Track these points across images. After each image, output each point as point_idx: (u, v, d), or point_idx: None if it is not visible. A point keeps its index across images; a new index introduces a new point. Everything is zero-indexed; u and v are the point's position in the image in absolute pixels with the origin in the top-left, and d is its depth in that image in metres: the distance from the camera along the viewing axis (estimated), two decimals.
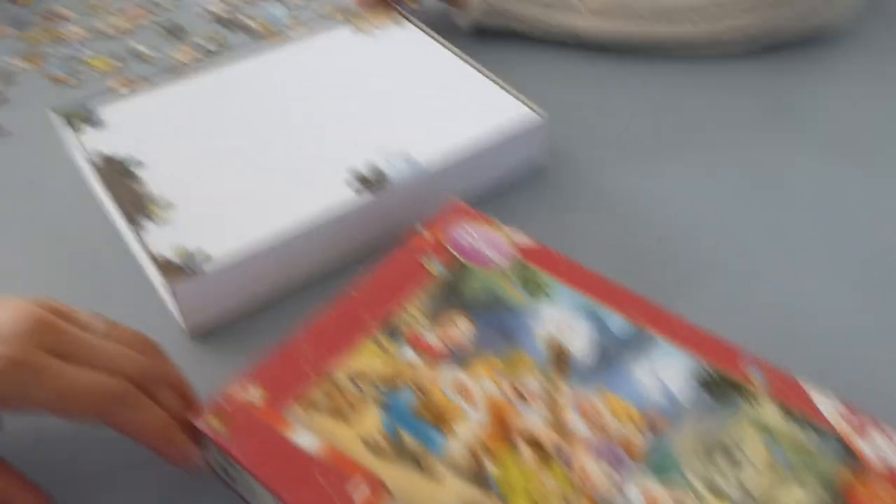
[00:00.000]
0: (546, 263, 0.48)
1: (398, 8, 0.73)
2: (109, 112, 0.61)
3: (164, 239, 0.50)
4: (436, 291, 0.46)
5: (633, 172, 0.62)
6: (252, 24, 0.79)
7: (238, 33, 0.78)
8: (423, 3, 0.80)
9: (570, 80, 0.72)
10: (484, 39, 0.76)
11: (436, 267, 0.48)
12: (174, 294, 0.47)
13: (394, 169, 0.55)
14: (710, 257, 0.55)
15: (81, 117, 0.60)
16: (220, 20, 0.80)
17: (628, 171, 0.62)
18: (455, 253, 0.49)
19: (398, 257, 0.48)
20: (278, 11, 0.81)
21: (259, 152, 0.57)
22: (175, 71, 0.71)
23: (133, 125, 0.59)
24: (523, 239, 0.49)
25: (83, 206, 0.58)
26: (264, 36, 0.78)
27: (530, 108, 0.60)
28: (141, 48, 0.76)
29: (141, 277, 0.53)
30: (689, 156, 0.64)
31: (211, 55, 0.75)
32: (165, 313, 0.50)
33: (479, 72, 0.65)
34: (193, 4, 0.82)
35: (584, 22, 0.73)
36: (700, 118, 0.68)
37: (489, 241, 0.49)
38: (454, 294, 0.46)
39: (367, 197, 0.53)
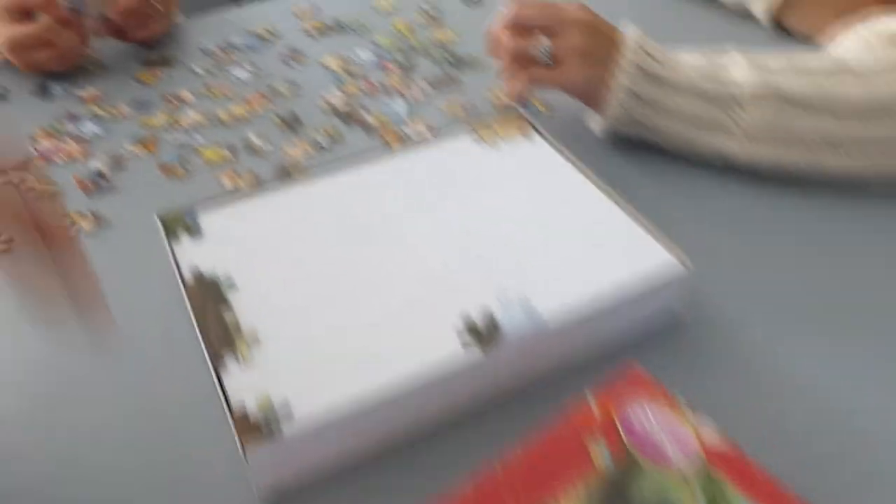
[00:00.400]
0: (737, 473, 0.39)
1: (528, 118, 0.67)
2: (210, 220, 0.56)
3: (246, 382, 0.45)
4: (599, 489, 0.38)
5: (785, 334, 0.53)
6: (370, 119, 0.75)
7: (355, 128, 0.74)
8: (552, 109, 0.73)
9: (713, 209, 0.64)
10: (618, 145, 0.69)
11: (602, 455, 0.40)
12: (247, 456, 0.41)
13: (510, 319, 0.48)
14: (877, 457, 0.45)
15: (181, 224, 0.56)
16: (339, 113, 0.76)
17: (779, 332, 0.53)
18: (627, 441, 0.41)
19: (558, 432, 0.41)
20: (399, 107, 0.76)
21: (361, 281, 0.51)
22: (284, 170, 0.68)
23: (232, 237, 0.55)
24: (712, 435, 0.41)
25: (172, 319, 0.54)
26: (382, 133, 0.73)
27: (674, 255, 0.52)
28: (254, 139, 0.72)
29: (217, 411, 0.47)
30: (854, 323, 0.54)
31: (324, 152, 0.71)
32: (239, 460, 0.44)
33: (615, 202, 0.57)
34: (314, 94, 0.79)
35: (739, 147, 0.64)
36: (871, 275, 0.58)
37: (671, 431, 0.41)
38: (620, 497, 0.38)
39: (475, 353, 0.46)
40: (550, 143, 0.64)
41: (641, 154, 0.69)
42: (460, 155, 0.63)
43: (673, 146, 0.67)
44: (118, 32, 0.83)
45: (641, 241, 0.54)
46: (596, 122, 0.70)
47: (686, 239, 0.54)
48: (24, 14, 0.77)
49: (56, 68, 0.80)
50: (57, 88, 0.80)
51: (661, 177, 0.67)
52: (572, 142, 0.64)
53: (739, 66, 0.64)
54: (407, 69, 0.82)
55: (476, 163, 0.62)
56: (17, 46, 0.78)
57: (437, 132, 0.73)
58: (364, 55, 0.84)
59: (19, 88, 0.80)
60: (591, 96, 0.66)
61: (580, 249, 0.53)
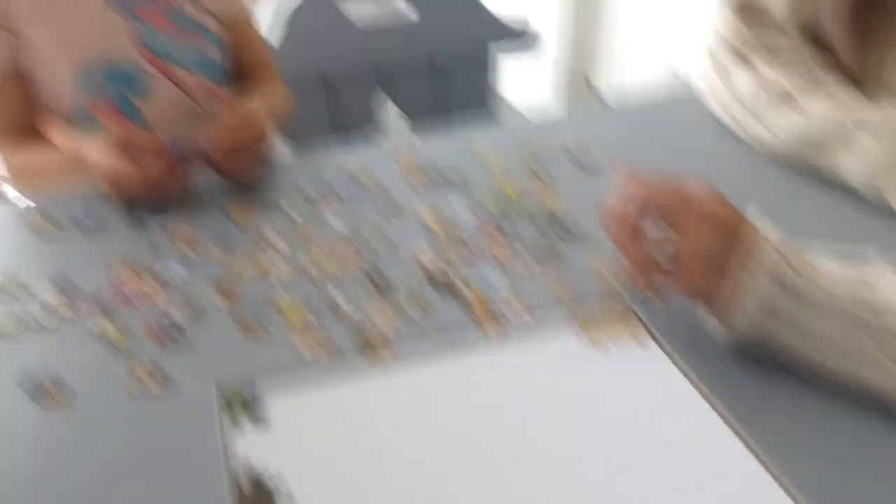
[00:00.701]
0: None
1: (639, 314, 0.60)
2: (277, 404, 0.51)
3: None
4: None
5: None
6: (465, 290, 0.69)
7: (448, 299, 0.68)
8: (668, 303, 0.66)
9: (850, 448, 0.54)
10: (742, 356, 0.60)
11: None
12: None
13: None
14: None
15: (244, 404, 0.51)
16: (432, 279, 0.71)
17: None
18: None
19: None
20: (497, 280, 0.70)
21: (447, 495, 0.44)
22: (367, 343, 0.62)
23: (297, 432, 0.49)
24: None
25: None
26: (476, 309, 0.67)
27: None
28: (340, 301, 0.68)
29: None
30: None
31: (412, 324, 0.65)
32: None
33: (733, 430, 0.49)
34: (408, 254, 0.74)
35: (892, 384, 0.55)
36: None
37: None
38: None
39: None
40: (664, 350, 0.57)
41: (769, 371, 0.60)
42: (562, 357, 0.56)
43: (807, 370, 0.58)
44: (216, 169, 0.82)
45: (761, 481, 0.45)
46: (719, 333, 0.61)
47: (813, 482, 0.45)
48: (131, 149, 0.78)
49: (150, 205, 0.79)
50: (153, 222, 0.78)
51: (790, 401, 0.58)
52: (688, 346, 0.57)
53: (891, 287, 0.55)
54: (509, 236, 0.77)
55: (580, 369, 0.55)
56: (117, 182, 0.77)
57: (536, 315, 0.66)
58: (465, 215, 0.80)
59: (116, 217, 0.79)
60: (714, 305, 0.59)
61: (691, 481, 0.45)
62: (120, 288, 0.69)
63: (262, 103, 0.98)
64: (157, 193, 0.79)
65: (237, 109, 0.84)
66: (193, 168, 0.81)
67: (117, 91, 0.93)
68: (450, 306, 0.68)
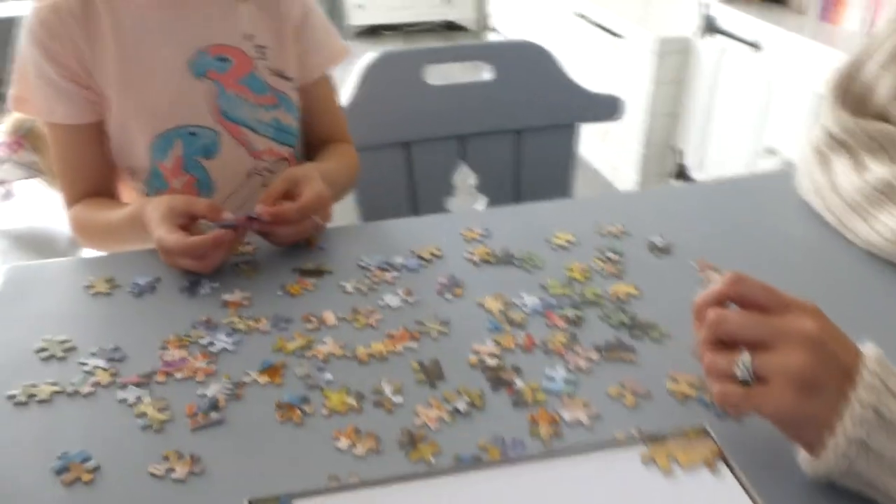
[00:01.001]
0: None
1: (715, 438, 0.53)
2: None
3: None
4: None
5: None
6: (521, 386, 0.64)
7: (502, 395, 0.63)
8: (746, 422, 0.59)
9: None
10: (829, 489, 0.53)
11: None
12: None
13: None
14: None
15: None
16: (486, 370, 0.66)
17: None
18: None
19: None
20: (557, 376, 0.65)
21: None
22: (410, 438, 0.57)
23: None
24: None
25: None
26: (530, 408, 0.62)
27: None
28: (387, 389, 0.63)
29: None
30: None
31: (460, 420, 0.60)
32: None
33: None
34: (464, 340, 0.69)
35: None
36: None
37: None
38: None
39: None
40: (738, 478, 0.50)
41: None
42: (621, 478, 0.50)
43: None
44: (270, 235, 0.81)
45: None
46: (807, 465, 0.53)
47: None
48: (187, 217, 0.77)
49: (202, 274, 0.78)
50: (206, 287, 0.77)
51: None
52: (766, 474, 0.50)
53: None
54: (574, 325, 0.71)
55: (640, 494, 0.49)
56: (169, 252, 0.76)
57: (596, 418, 0.60)
58: (529, 300, 0.75)
59: (170, 280, 0.78)
60: (802, 434, 0.51)
61: None
62: (164, 357, 0.67)
63: (333, 170, 0.97)
64: (208, 267, 0.78)
65: (310, 190, 0.81)
66: (245, 234, 0.80)
67: (188, 152, 0.93)
68: (502, 400, 0.63)
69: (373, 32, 4.51)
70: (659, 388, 0.64)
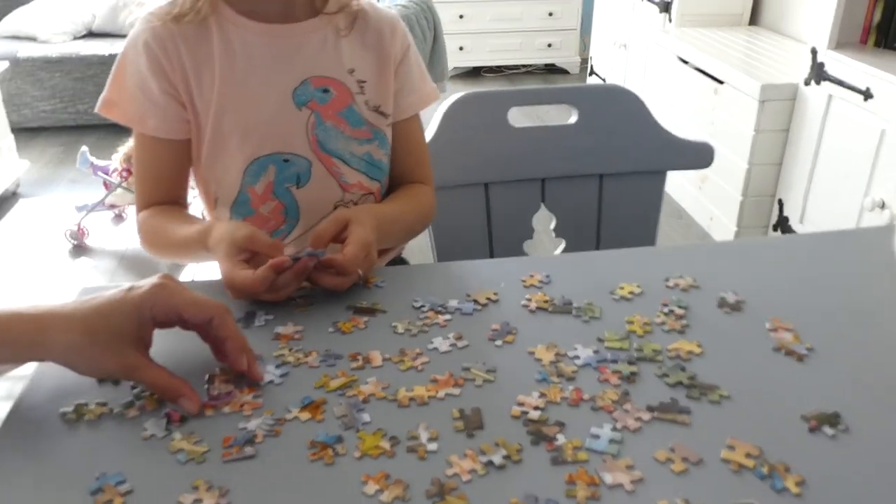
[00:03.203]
0: None
1: None
2: None
3: None
4: None
5: None
6: (563, 443, 0.61)
7: (541, 451, 0.60)
8: None
9: None
10: None
11: None
12: None
13: None
14: None
15: None
16: (528, 422, 0.63)
17: None
18: None
19: None
20: (603, 435, 0.62)
21: None
22: (440, 488, 0.55)
23: None
24: None
25: None
26: (567, 462, 0.58)
27: None
28: (423, 436, 0.62)
29: None
30: None
31: (494, 474, 0.58)
32: None
33: None
34: (509, 391, 0.67)
35: None
36: None
37: None
38: None
39: None
40: None
41: None
42: None
43: None
44: (314, 280, 0.81)
45: None
46: None
47: None
48: (250, 252, 0.79)
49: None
50: (260, 319, 0.78)
51: None
52: None
53: None
54: (628, 381, 0.68)
55: None
56: (232, 287, 0.78)
57: (639, 485, 0.57)
58: (583, 352, 0.72)
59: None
60: None
61: None
62: (211, 392, 0.67)
63: (396, 212, 0.98)
64: (269, 300, 0.79)
65: (354, 242, 0.81)
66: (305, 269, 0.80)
67: (280, 178, 0.95)
68: (541, 456, 0.60)
69: (474, 73, 4.57)
70: (712, 456, 0.59)
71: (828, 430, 0.62)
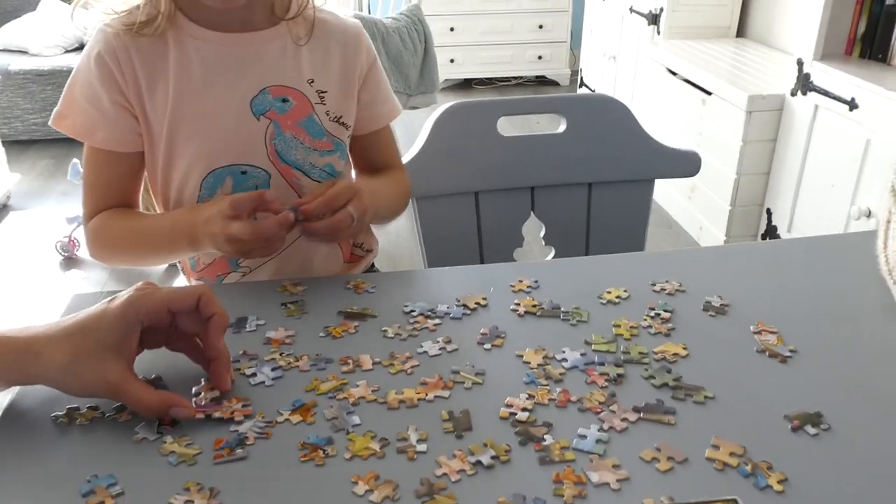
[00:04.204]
0: None
1: None
2: None
3: None
4: None
5: None
6: (550, 443, 0.62)
7: (529, 451, 0.61)
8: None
9: None
10: None
11: None
12: None
13: None
14: None
15: None
16: (516, 423, 0.64)
17: None
18: None
19: None
20: (589, 436, 0.62)
21: None
22: (429, 487, 0.56)
23: None
24: None
25: None
26: (555, 462, 0.59)
27: None
28: (412, 437, 0.63)
29: None
30: None
31: (482, 474, 0.59)
32: None
33: None
34: (497, 393, 0.68)
35: None
36: None
37: None
38: None
39: None
40: None
41: None
42: None
43: None
44: (309, 233, 0.84)
45: None
46: None
47: None
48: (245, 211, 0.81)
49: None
50: (253, 324, 0.78)
51: None
52: None
53: None
54: (615, 383, 0.69)
55: None
56: (242, 240, 0.80)
57: (625, 484, 0.58)
58: (570, 355, 0.73)
59: None
60: None
61: None
62: (198, 402, 0.67)
63: (380, 186, 0.98)
64: (274, 248, 0.82)
65: (348, 183, 0.85)
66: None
67: (237, 190, 0.93)
68: (529, 456, 0.61)
69: (465, 85, 4.60)
70: (697, 455, 0.60)
71: (810, 429, 0.63)
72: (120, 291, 0.68)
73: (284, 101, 0.93)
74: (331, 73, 0.96)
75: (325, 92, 0.95)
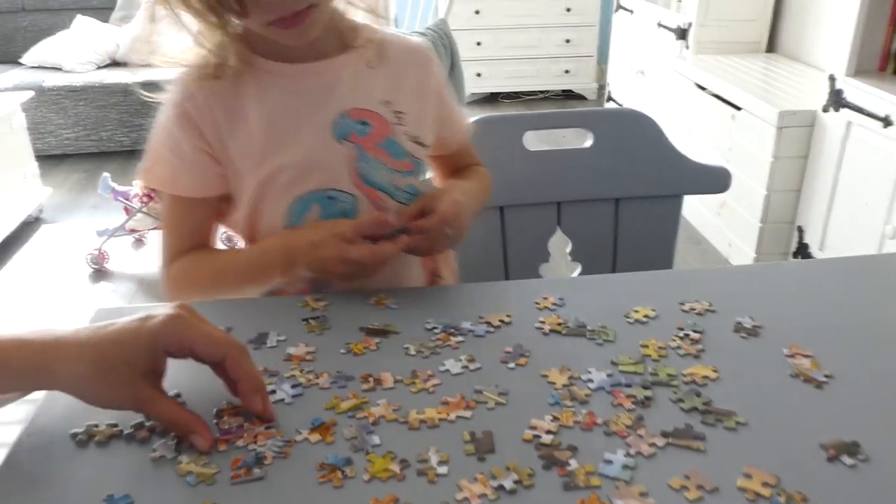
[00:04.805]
0: None
1: None
2: None
3: None
4: None
5: None
6: (575, 467, 0.60)
7: (552, 476, 0.59)
8: None
9: None
10: None
11: None
12: None
13: None
14: None
15: None
16: (540, 446, 0.62)
17: None
18: None
19: None
20: (616, 461, 0.60)
21: None
22: None
23: None
24: None
25: None
26: (581, 491, 0.57)
27: None
28: (433, 459, 0.61)
29: None
30: None
31: (504, 499, 0.57)
32: None
33: None
34: (521, 415, 0.66)
35: None
36: None
37: None
38: None
39: None
40: None
41: None
42: None
43: None
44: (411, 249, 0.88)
45: None
46: None
47: None
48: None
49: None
50: (273, 340, 0.78)
51: None
52: None
53: None
54: (642, 406, 0.67)
55: None
56: (364, 265, 0.84)
57: None
58: (596, 375, 0.71)
59: (239, 331, 0.79)
60: None
61: None
62: (221, 425, 0.66)
63: (469, 186, 1.01)
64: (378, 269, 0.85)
65: (446, 199, 0.89)
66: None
67: (325, 216, 0.93)
68: (552, 481, 0.59)
69: (491, 99, 4.60)
70: (728, 484, 0.58)
71: (847, 459, 0.60)
72: (146, 309, 0.67)
73: (364, 123, 0.93)
74: (405, 93, 0.96)
75: (402, 112, 0.95)
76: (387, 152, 0.95)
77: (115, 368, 0.63)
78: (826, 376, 0.70)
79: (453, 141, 1.05)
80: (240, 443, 0.64)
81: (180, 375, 0.69)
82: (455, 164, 1.08)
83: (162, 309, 0.66)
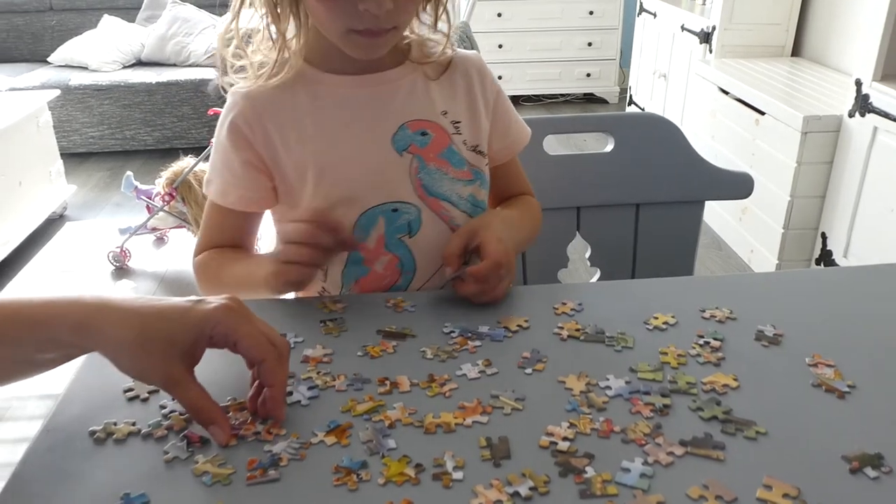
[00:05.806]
0: None
1: None
2: None
3: None
4: None
5: None
6: (592, 475, 0.59)
7: (569, 483, 0.59)
8: None
9: None
10: None
11: None
12: None
13: None
14: None
15: None
16: (556, 453, 0.62)
17: None
18: None
19: None
20: (633, 469, 0.60)
21: None
22: None
23: None
24: None
25: None
26: (597, 499, 0.57)
27: None
28: (448, 465, 0.61)
29: None
30: None
31: (518, 501, 0.57)
32: None
33: None
34: (538, 421, 0.66)
35: None
36: None
37: None
38: None
39: None
40: None
41: None
42: None
43: None
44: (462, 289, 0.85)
45: None
46: None
47: None
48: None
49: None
50: (291, 341, 0.78)
51: None
52: None
53: None
54: (660, 414, 0.66)
55: None
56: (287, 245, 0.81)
57: None
58: (614, 382, 0.70)
59: None
60: None
61: None
62: (237, 426, 0.67)
63: (516, 217, 1.00)
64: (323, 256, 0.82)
65: (492, 250, 0.84)
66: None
67: (390, 229, 0.93)
68: (568, 489, 0.58)
69: (512, 102, 4.58)
70: (748, 495, 0.57)
71: (870, 471, 0.59)
72: (199, 296, 0.68)
73: (423, 134, 0.93)
74: (460, 103, 0.96)
75: (459, 122, 0.95)
76: (448, 162, 0.94)
77: (155, 340, 0.64)
78: (849, 386, 0.69)
79: (510, 150, 1.03)
80: (250, 438, 0.64)
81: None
82: (505, 187, 1.05)
83: (216, 297, 0.67)
